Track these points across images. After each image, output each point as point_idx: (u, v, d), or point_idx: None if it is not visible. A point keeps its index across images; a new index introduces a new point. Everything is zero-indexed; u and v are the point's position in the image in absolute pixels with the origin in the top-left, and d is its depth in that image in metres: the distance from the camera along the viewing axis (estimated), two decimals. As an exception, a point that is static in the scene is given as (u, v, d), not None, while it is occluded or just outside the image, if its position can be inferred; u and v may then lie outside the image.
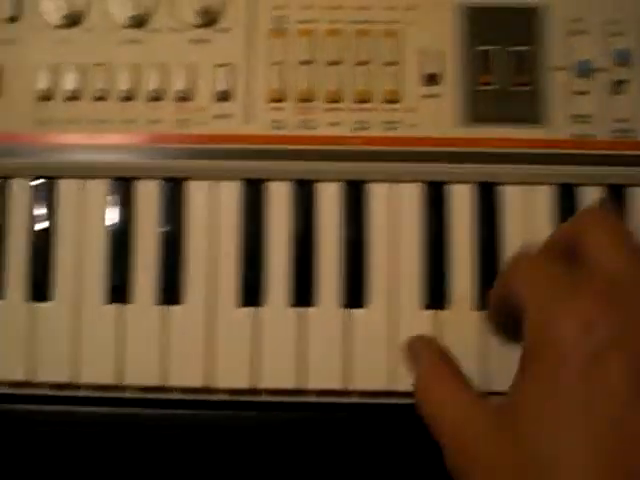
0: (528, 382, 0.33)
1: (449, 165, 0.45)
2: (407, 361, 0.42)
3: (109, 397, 0.45)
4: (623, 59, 0.46)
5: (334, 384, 0.44)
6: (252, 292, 0.45)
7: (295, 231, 0.46)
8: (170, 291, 0.45)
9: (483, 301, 0.44)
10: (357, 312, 0.45)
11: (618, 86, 0.46)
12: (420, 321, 0.45)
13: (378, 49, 0.46)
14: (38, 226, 0.46)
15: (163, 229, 0.46)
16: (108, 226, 0.46)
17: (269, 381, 0.45)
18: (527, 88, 0.46)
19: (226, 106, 0.46)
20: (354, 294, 0.45)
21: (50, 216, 0.46)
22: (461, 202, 0.46)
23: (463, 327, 0.44)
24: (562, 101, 0.46)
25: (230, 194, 0.46)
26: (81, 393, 0.45)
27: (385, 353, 0.44)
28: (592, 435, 0.30)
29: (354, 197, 0.46)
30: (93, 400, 0.46)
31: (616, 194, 0.46)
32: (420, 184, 0.46)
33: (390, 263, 0.45)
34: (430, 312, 0.45)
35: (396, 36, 0.46)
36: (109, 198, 0.46)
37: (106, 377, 0.45)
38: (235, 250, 0.46)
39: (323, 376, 0.45)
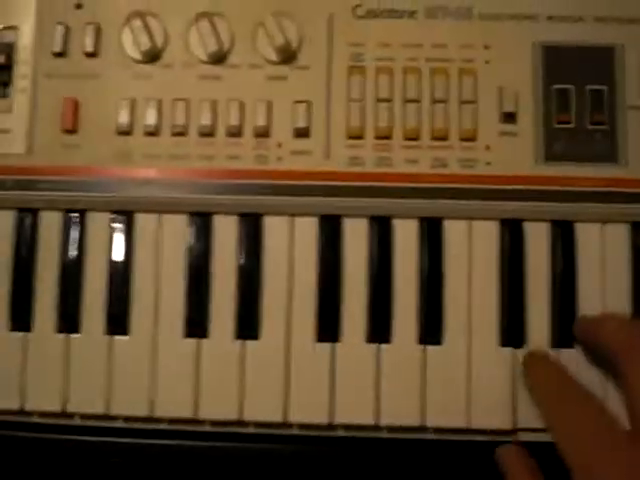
0: None
1: (526, 203, 0.46)
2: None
3: (185, 430, 0.45)
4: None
5: (409, 420, 0.45)
6: (329, 327, 0.45)
7: (372, 267, 0.46)
8: (248, 325, 0.45)
9: (559, 339, 0.45)
10: (433, 349, 0.45)
11: (693, 124, 0.46)
12: (496, 359, 0.45)
13: (455, 87, 0.46)
14: (115, 259, 0.46)
15: (241, 263, 0.46)
16: (186, 260, 0.46)
17: (345, 416, 0.45)
18: (604, 127, 0.46)
19: (304, 142, 0.46)
20: (431, 330, 0.45)
21: (128, 250, 0.47)
22: (537, 240, 0.46)
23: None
24: (639, 140, 0.46)
25: (307, 230, 0.46)
26: (162, 426, 0.45)
27: (462, 391, 0.44)
28: None
29: (431, 234, 0.46)
30: (169, 433, 0.46)
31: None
32: (496, 222, 0.46)
33: (467, 299, 0.45)
34: (508, 350, 0.45)
35: (473, 74, 0.46)
36: (187, 232, 0.46)
37: (182, 410, 0.45)
38: (312, 285, 0.46)
39: (397, 412, 0.45)
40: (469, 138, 0.46)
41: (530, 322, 0.45)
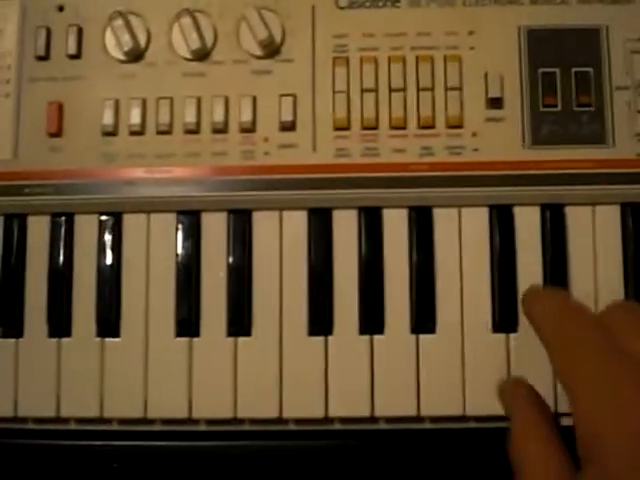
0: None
1: (515, 188, 0.45)
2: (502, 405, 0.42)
3: (181, 430, 0.45)
4: (685, 76, 0.46)
5: (405, 410, 0.44)
6: (322, 321, 0.45)
7: (363, 258, 0.45)
8: (239, 322, 0.45)
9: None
10: (426, 338, 0.45)
11: (680, 103, 0.46)
12: (490, 345, 0.44)
13: (440, 74, 0.46)
14: (105, 261, 0.46)
15: (231, 260, 0.46)
16: (175, 259, 0.46)
17: (341, 409, 0.44)
18: (590, 109, 0.46)
19: (290, 136, 0.46)
20: (424, 319, 0.45)
21: (117, 251, 0.46)
22: (528, 223, 0.46)
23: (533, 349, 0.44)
24: (626, 120, 0.46)
25: (297, 223, 0.46)
26: (157, 427, 0.45)
27: (456, 379, 0.44)
28: None
29: (420, 222, 0.46)
30: (164, 434, 0.45)
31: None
32: (486, 208, 0.46)
33: (459, 287, 0.45)
34: (500, 336, 0.44)
35: (458, 61, 0.46)
36: (176, 231, 0.46)
37: (176, 410, 0.45)
38: (303, 278, 0.45)
39: (393, 402, 0.44)
40: (456, 125, 0.46)
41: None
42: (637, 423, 0.32)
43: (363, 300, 0.45)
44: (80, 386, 0.45)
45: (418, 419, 0.45)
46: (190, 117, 0.46)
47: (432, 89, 0.46)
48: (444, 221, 0.46)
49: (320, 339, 0.45)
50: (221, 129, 0.46)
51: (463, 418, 0.44)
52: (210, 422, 0.45)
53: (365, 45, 0.47)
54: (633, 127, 0.46)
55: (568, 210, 0.46)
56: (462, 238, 0.46)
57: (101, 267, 0.46)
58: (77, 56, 0.48)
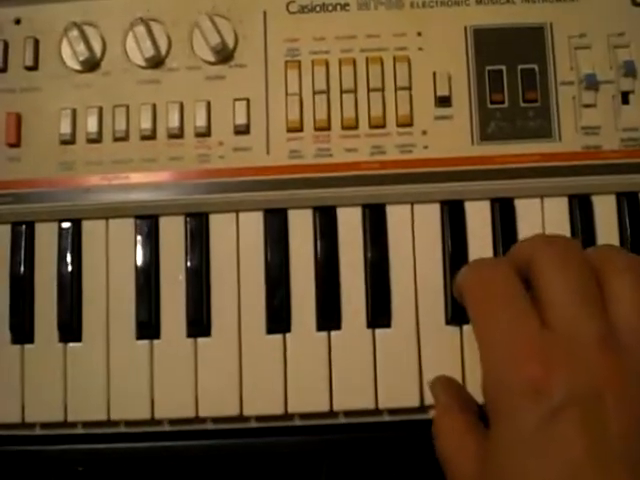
0: (493, 432, 0.34)
1: (465, 183, 0.46)
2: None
3: (145, 432, 0.46)
4: (628, 70, 0.47)
5: (363, 404, 0.45)
6: (280, 319, 0.46)
7: (319, 256, 0.46)
8: (198, 323, 0.46)
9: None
10: (382, 332, 0.45)
11: (625, 97, 0.47)
12: (444, 337, 0.45)
13: (390, 75, 0.47)
14: (65, 267, 0.47)
15: (189, 262, 0.46)
16: (135, 263, 0.47)
17: (300, 405, 0.45)
18: (537, 104, 0.47)
19: (245, 139, 0.47)
20: (379, 314, 0.46)
21: (77, 257, 0.47)
22: (478, 218, 0.47)
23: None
24: (571, 114, 0.47)
25: (253, 225, 0.47)
26: (121, 429, 0.46)
27: (413, 371, 0.45)
28: None
29: (374, 220, 0.47)
30: (129, 436, 0.46)
31: (632, 201, 0.46)
32: (438, 204, 0.47)
33: (413, 282, 0.46)
34: (454, 328, 0.45)
35: (407, 61, 0.47)
36: (134, 236, 0.47)
37: (139, 412, 0.45)
38: (261, 278, 0.46)
39: (351, 397, 0.45)
40: (406, 124, 0.47)
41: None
42: (535, 367, 0.33)
43: (320, 297, 0.46)
44: (44, 391, 0.46)
45: (377, 412, 0.45)
46: (146, 123, 0.47)
47: (382, 89, 0.47)
48: (397, 218, 0.47)
49: (278, 337, 0.46)
50: (176, 134, 0.47)
51: (421, 409, 0.45)
52: (173, 422, 0.46)
53: (316, 48, 0.48)
54: (578, 121, 0.47)
55: (517, 203, 0.47)
56: (415, 234, 0.47)
57: (62, 273, 0.47)
58: (34, 67, 0.48)
